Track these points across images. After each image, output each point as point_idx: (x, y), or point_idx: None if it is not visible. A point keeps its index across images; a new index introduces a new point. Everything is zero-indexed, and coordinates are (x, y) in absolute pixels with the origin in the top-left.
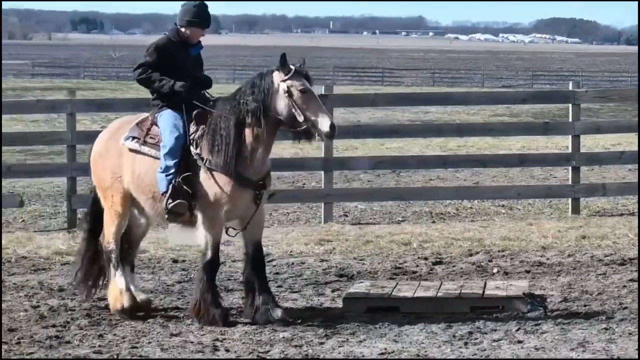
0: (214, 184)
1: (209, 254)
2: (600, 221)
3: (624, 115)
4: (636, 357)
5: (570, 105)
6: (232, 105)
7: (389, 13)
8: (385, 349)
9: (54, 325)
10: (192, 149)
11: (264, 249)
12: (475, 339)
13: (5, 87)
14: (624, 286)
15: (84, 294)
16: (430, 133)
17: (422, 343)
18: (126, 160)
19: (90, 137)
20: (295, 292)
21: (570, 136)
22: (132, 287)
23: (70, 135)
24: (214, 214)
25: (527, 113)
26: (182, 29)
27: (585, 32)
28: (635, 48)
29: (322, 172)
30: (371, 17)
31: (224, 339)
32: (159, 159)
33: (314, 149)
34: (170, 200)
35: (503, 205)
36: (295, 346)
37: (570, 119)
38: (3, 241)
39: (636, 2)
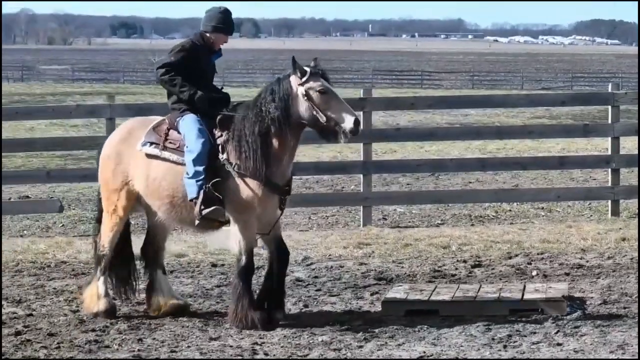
0: (245, 188)
1: (244, 260)
2: None
3: None
4: None
5: (609, 107)
6: (255, 112)
7: (428, 16)
8: (424, 352)
9: (93, 330)
10: (219, 154)
11: (303, 252)
12: (515, 341)
13: (45, 92)
14: None
15: (122, 297)
16: (469, 136)
17: (461, 346)
18: (141, 165)
19: None
20: (334, 295)
21: (609, 138)
22: (110, 293)
23: None
24: (246, 219)
25: (566, 115)
26: (207, 34)
27: (625, 34)
28: None
29: (361, 175)
30: (410, 20)
31: (263, 343)
32: (179, 164)
33: (352, 153)
34: (203, 207)
35: (542, 208)
36: (334, 350)
37: (609, 121)
38: (42, 246)
39: None
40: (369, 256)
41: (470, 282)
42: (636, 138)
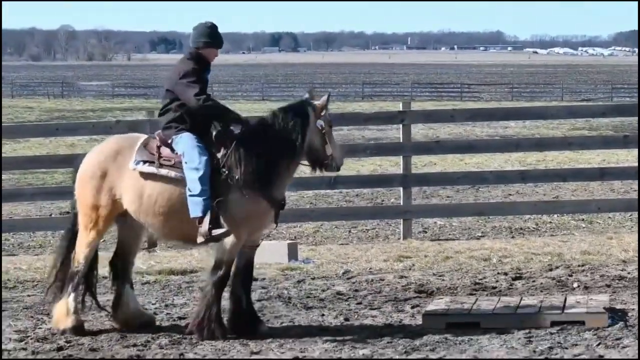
0: (249, 203)
1: (223, 270)
2: None
3: None
4: None
5: None
6: (271, 132)
7: (467, 28)
8: None
9: (135, 345)
10: (222, 171)
11: (344, 265)
12: (556, 354)
13: (85, 108)
14: None
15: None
16: (508, 148)
17: (503, 358)
18: (133, 183)
19: None
20: (375, 308)
21: None
22: (79, 310)
23: None
24: (241, 232)
25: (606, 126)
26: (199, 51)
27: None
28: None
29: (401, 188)
30: (449, 33)
31: (304, 356)
32: (178, 180)
33: (392, 166)
34: (211, 226)
35: (583, 219)
36: None
37: None
38: None
39: None
40: (410, 269)
41: (511, 295)
42: None
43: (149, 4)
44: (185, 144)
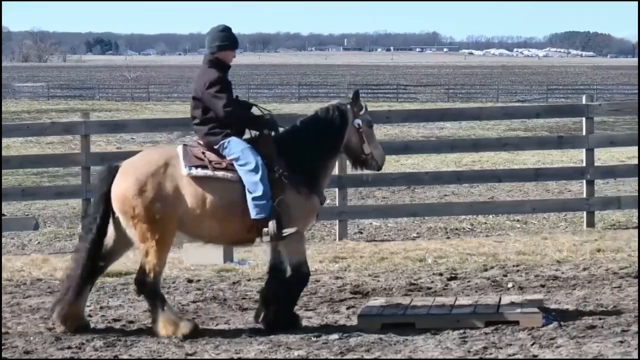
0: (305, 203)
1: (306, 267)
2: (615, 234)
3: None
4: None
5: (584, 118)
6: (312, 132)
7: (403, 29)
8: None
9: (69, 347)
10: (275, 170)
11: None
12: (490, 354)
13: (20, 109)
14: None
15: (62, 315)
16: (444, 149)
17: (437, 359)
18: (189, 190)
19: (105, 158)
20: (310, 309)
21: (584, 150)
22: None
23: (84, 157)
24: (303, 232)
25: (542, 127)
26: (216, 55)
27: (599, 45)
28: None
29: (337, 189)
30: (385, 34)
31: (239, 358)
32: (234, 182)
33: None
34: (276, 226)
35: (518, 220)
36: None
37: (584, 133)
38: (18, 263)
39: None
40: (345, 270)
41: (446, 295)
42: (611, 150)
43: (84, 4)
44: (238, 147)
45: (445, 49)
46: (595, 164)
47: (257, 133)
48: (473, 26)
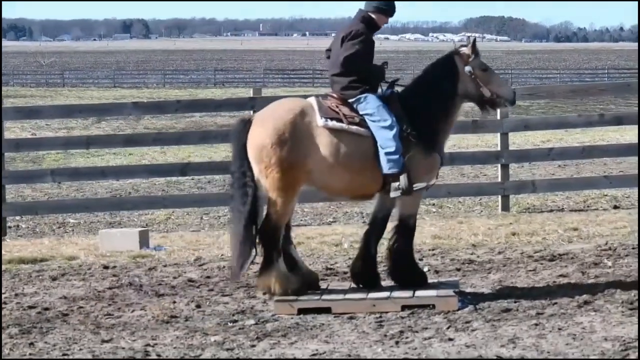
0: (429, 161)
1: (413, 221)
2: (529, 218)
3: (553, 112)
4: (566, 350)
5: None
6: (427, 90)
7: (319, 14)
8: (317, 350)
9: None
10: (404, 128)
11: (195, 252)
12: (407, 337)
13: None
14: (554, 282)
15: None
16: None
17: (354, 343)
18: (324, 140)
19: (20, 145)
20: (227, 295)
21: (499, 134)
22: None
23: None
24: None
25: None
26: (371, 15)
27: (514, 30)
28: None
29: None
30: (301, 19)
31: (155, 344)
32: (366, 137)
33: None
34: (408, 181)
35: (434, 204)
36: (227, 349)
37: (498, 117)
38: None
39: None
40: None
41: None
42: (526, 133)
43: None
44: (374, 103)
45: None
46: (510, 148)
47: (387, 92)
48: None
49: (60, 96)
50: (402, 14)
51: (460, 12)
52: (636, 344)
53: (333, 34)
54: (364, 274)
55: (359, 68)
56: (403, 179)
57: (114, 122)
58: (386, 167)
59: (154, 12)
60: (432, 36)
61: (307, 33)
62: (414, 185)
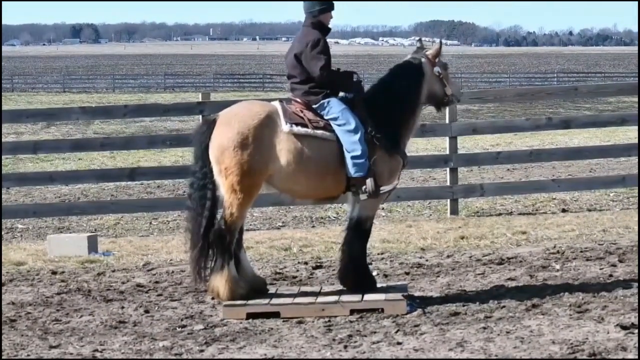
0: (392, 163)
1: (369, 224)
2: (478, 221)
3: (503, 116)
4: (514, 354)
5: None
6: (393, 93)
7: (269, 19)
8: (265, 354)
9: None
10: (369, 131)
11: (144, 257)
12: (355, 341)
13: None
14: (502, 285)
15: (198, 279)
16: None
17: (302, 347)
18: (287, 146)
19: None
20: (175, 300)
21: (447, 138)
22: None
23: None
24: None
25: None
26: (317, 19)
27: (464, 34)
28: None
29: None
30: (251, 23)
31: (104, 350)
32: (331, 141)
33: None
34: (374, 184)
35: (383, 208)
36: (176, 354)
37: (447, 121)
38: None
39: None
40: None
41: (312, 284)
42: (475, 137)
43: None
44: (338, 107)
45: None
46: (459, 152)
47: (350, 95)
48: (338, 15)
49: (9, 101)
50: (352, 17)
51: (410, 17)
52: (584, 347)
53: (284, 39)
54: (361, 282)
55: (332, 77)
56: (370, 182)
57: (64, 127)
58: (352, 171)
59: (104, 17)
60: (383, 40)
61: (257, 37)
62: (381, 188)
